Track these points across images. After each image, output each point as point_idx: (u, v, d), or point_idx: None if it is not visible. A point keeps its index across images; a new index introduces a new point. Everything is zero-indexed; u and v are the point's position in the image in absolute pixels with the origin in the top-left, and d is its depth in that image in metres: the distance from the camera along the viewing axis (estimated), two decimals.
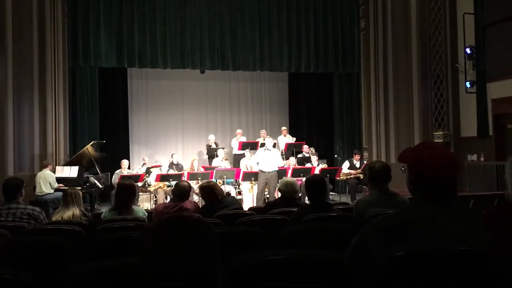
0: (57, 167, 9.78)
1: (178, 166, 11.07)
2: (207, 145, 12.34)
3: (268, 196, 9.55)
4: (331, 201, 7.70)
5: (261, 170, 9.42)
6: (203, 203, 5.02)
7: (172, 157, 11.36)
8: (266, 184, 9.42)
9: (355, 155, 11.15)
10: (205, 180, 5.78)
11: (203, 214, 4.85)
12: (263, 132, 12.04)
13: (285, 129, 12.59)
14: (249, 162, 10.56)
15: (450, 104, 11.18)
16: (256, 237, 2.99)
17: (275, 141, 11.67)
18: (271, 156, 9.52)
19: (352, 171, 10.81)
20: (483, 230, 1.73)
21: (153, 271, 1.10)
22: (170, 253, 1.10)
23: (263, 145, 10.02)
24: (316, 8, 12.40)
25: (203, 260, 1.11)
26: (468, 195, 7.57)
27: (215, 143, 12.22)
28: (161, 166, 10.77)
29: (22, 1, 9.59)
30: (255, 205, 9.01)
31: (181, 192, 4.75)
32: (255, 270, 1.72)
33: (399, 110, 11.40)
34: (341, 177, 10.77)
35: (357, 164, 10.97)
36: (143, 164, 11.00)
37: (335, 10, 12.53)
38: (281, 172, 9.52)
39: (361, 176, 10.56)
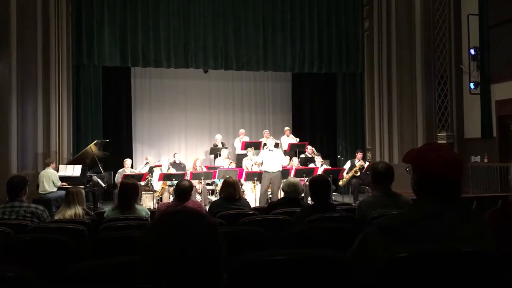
0: (60, 166, 9.80)
1: (181, 166, 11.06)
2: (214, 144, 12.34)
3: (271, 196, 9.55)
4: (334, 202, 7.68)
5: (265, 171, 9.41)
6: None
7: (174, 156, 11.36)
8: (270, 184, 9.42)
9: (357, 153, 11.12)
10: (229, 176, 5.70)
11: (212, 207, 4.91)
12: (266, 132, 12.03)
13: (288, 129, 12.59)
14: (250, 162, 10.55)
15: (454, 105, 11.15)
16: (259, 237, 2.98)
17: (278, 141, 11.68)
18: (274, 156, 9.52)
19: (350, 173, 10.76)
20: (487, 231, 1.72)
21: (155, 268, 1.10)
22: (172, 248, 1.10)
23: (265, 145, 10.01)
24: (320, 8, 12.39)
25: (207, 255, 1.12)
26: (472, 196, 7.55)
27: (222, 143, 12.21)
28: (161, 165, 10.78)
29: (26, 0, 9.61)
30: (257, 205, 9.01)
31: (182, 192, 4.73)
32: (257, 270, 1.72)
33: (403, 110, 11.38)
34: (343, 182, 10.76)
35: (357, 163, 10.94)
36: (146, 163, 11.01)
37: (339, 10, 12.51)
38: (285, 172, 9.51)
39: (358, 173, 10.55)
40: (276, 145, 11.42)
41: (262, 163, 9.63)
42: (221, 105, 13.75)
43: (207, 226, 1.17)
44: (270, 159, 9.44)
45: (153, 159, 11.76)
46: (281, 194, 8.73)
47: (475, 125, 10.68)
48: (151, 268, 1.11)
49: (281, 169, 9.50)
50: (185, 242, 1.11)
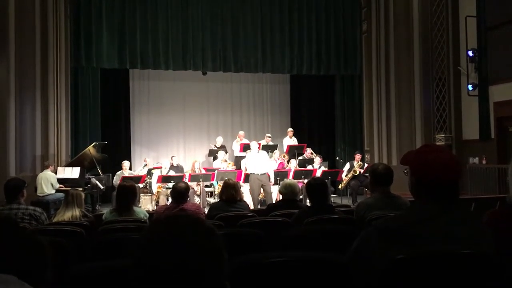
0: (59, 168, 9.78)
1: (178, 168, 11.05)
2: (214, 145, 12.32)
3: (265, 199, 9.49)
4: (332, 204, 7.68)
5: (252, 173, 9.36)
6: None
7: (171, 159, 11.33)
8: (262, 187, 9.38)
9: (356, 155, 11.12)
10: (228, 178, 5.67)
11: (212, 210, 4.90)
12: (268, 137, 11.99)
13: (291, 131, 12.47)
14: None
15: (452, 106, 11.17)
16: (257, 239, 2.98)
17: (275, 144, 11.69)
18: (260, 158, 9.47)
19: (349, 174, 10.77)
20: (486, 233, 1.72)
21: (150, 272, 1.02)
22: (166, 253, 1.03)
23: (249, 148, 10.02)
24: (318, 10, 12.40)
25: (201, 260, 1.03)
26: (470, 198, 7.55)
27: (222, 146, 12.16)
28: (162, 167, 10.77)
29: (24, 2, 9.60)
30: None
31: (178, 194, 4.69)
32: (256, 272, 1.72)
33: (401, 112, 11.40)
34: (342, 184, 10.76)
35: (356, 164, 10.94)
36: (145, 165, 11.00)
37: (337, 12, 12.52)
38: (282, 174, 9.49)
39: (357, 172, 10.56)
40: (275, 147, 11.45)
41: (246, 167, 9.61)
42: (220, 107, 13.74)
43: (206, 232, 1.08)
44: (256, 161, 9.39)
45: (152, 161, 11.75)
46: (277, 197, 8.73)
47: (473, 126, 10.69)
48: (144, 281, 1.03)
49: (268, 171, 9.47)
50: (180, 252, 1.02)
